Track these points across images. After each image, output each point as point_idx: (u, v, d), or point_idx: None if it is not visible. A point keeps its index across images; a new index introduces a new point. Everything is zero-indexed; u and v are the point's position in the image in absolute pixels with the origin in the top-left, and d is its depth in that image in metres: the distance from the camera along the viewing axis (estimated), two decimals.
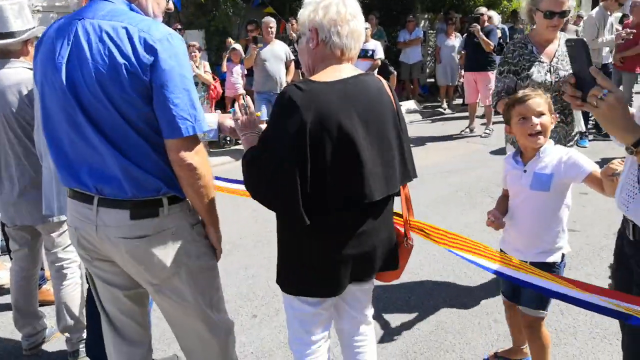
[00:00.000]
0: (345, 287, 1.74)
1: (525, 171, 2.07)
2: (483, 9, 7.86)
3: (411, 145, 1.86)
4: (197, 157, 1.55)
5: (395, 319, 2.90)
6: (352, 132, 1.58)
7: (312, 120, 1.53)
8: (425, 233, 2.00)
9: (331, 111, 1.56)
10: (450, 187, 5.22)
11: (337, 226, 1.66)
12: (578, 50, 1.34)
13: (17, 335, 2.76)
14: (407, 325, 2.84)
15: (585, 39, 1.68)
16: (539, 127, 1.99)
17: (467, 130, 7.75)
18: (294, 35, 7.92)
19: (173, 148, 1.53)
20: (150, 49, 1.47)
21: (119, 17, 1.51)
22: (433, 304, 3.05)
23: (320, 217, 1.60)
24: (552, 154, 2.04)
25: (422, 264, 3.48)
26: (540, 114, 2.01)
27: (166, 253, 1.63)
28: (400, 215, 1.92)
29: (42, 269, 3.16)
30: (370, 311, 1.96)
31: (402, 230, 1.91)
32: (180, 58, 1.52)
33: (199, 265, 1.71)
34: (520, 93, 2.08)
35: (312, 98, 1.55)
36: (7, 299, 2.76)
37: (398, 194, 1.84)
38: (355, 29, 1.67)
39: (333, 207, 1.60)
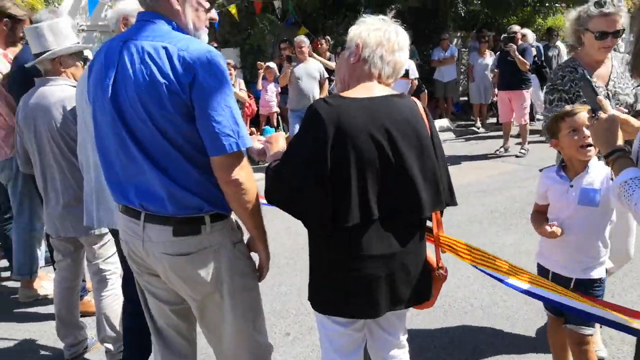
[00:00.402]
0: (378, 312, 1.72)
1: (571, 186, 2.04)
2: (517, 27, 7.80)
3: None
4: (242, 172, 1.56)
5: (428, 343, 2.87)
6: (373, 151, 1.60)
7: (335, 134, 1.56)
8: (455, 250, 1.96)
9: (354, 127, 1.58)
10: (484, 208, 5.16)
11: (362, 244, 1.65)
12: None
13: (60, 345, 2.84)
14: (441, 349, 2.81)
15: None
16: (590, 140, 1.95)
17: (502, 149, 7.64)
18: (328, 54, 8.02)
19: (218, 165, 1.54)
20: (189, 67, 1.48)
21: (160, 37, 1.54)
22: (468, 328, 3.01)
23: (344, 233, 1.62)
24: (598, 169, 2.02)
25: (457, 286, 3.44)
26: (588, 128, 1.99)
27: (207, 270, 1.65)
28: (431, 231, 1.90)
29: (84, 280, 3.26)
30: (404, 335, 1.94)
31: (433, 259, 1.87)
32: (220, 75, 1.52)
33: (241, 284, 1.71)
34: (569, 107, 2.07)
35: (338, 113, 1.58)
36: (51, 309, 2.85)
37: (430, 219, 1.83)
38: (399, 61, 1.71)
39: (352, 222, 1.61)
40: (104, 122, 1.64)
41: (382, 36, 1.69)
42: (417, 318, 3.00)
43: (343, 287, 1.69)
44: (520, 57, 7.07)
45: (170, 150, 1.55)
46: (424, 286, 1.81)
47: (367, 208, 1.62)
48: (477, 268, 1.97)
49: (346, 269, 1.67)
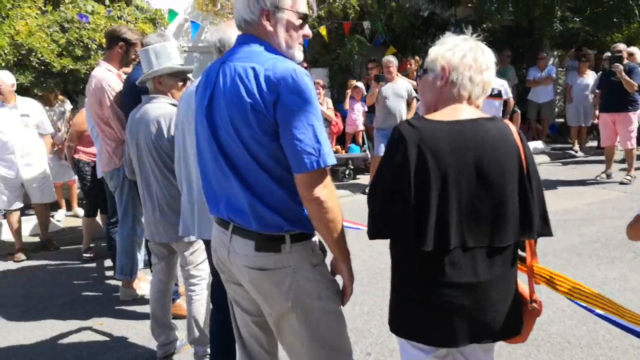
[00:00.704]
0: (458, 342, 1.63)
1: None
2: (622, 46, 7.25)
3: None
4: (324, 190, 1.56)
5: None
6: (459, 175, 1.55)
7: (418, 157, 1.53)
8: (550, 282, 1.83)
9: (439, 150, 1.54)
10: (584, 238, 4.79)
11: (444, 270, 1.58)
12: None
13: (153, 344, 3.02)
14: None
15: None
16: None
17: (604, 175, 7.10)
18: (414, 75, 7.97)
19: (301, 183, 1.55)
20: (274, 87, 1.50)
21: (251, 58, 1.58)
22: None
23: (426, 257, 1.57)
24: None
25: (551, 320, 3.21)
26: None
27: (284, 290, 1.65)
28: (524, 260, 1.78)
29: (177, 284, 3.46)
30: None
31: (526, 290, 1.76)
32: (304, 93, 1.52)
33: (318, 307, 1.69)
34: None
35: (421, 135, 1.55)
36: (147, 308, 3.04)
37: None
38: (487, 81, 1.66)
39: (434, 247, 1.55)
40: (202, 138, 1.74)
41: (468, 56, 1.63)
42: (505, 351, 2.84)
43: (422, 313, 1.64)
44: (627, 77, 6.57)
45: (256, 168, 1.58)
46: (513, 319, 1.69)
47: (450, 233, 1.56)
48: (575, 303, 1.83)
49: (426, 294, 1.62)
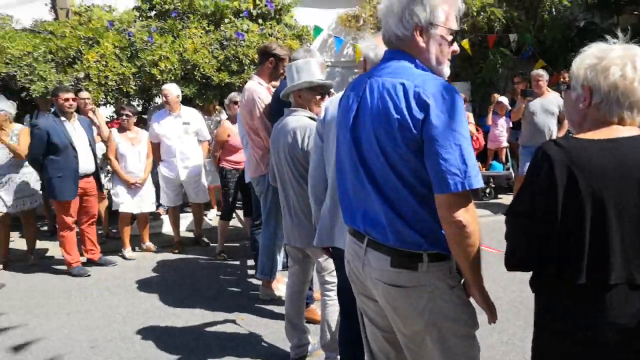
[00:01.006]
0: None
1: None
2: None
3: None
4: (466, 214, 1.49)
5: None
6: (617, 200, 1.36)
7: (567, 180, 1.38)
8: None
9: (591, 170, 1.37)
10: None
11: (598, 308, 1.41)
12: None
13: (287, 345, 3.15)
14: None
15: None
16: None
17: None
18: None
19: (442, 203, 1.50)
20: (423, 104, 1.48)
21: (400, 74, 1.57)
22: None
23: (576, 291, 1.42)
24: None
25: None
26: None
27: (419, 309, 1.61)
28: None
29: (311, 289, 3.58)
30: None
31: None
32: (453, 112, 1.48)
33: (454, 330, 1.64)
34: None
35: (570, 154, 1.39)
36: (283, 309, 3.19)
37: None
38: None
39: (583, 280, 1.39)
40: (343, 149, 1.77)
41: (616, 74, 1.42)
42: None
43: (570, 354, 1.48)
44: None
45: (398, 185, 1.57)
46: None
47: (605, 266, 1.39)
48: None
49: (575, 333, 1.46)
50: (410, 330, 1.67)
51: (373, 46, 2.14)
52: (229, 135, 5.08)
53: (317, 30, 7.78)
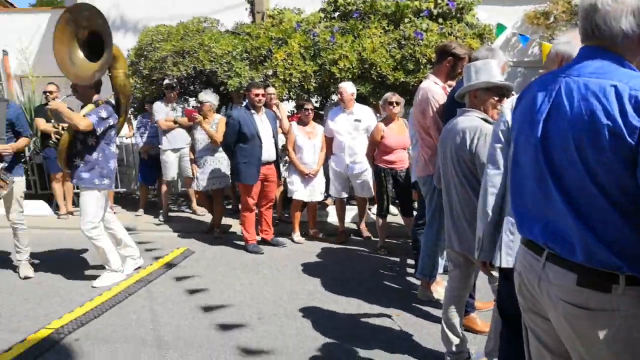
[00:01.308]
0: None
1: None
2: None
3: None
4: None
5: None
6: None
7: None
8: None
9: None
10: None
11: None
12: None
13: (442, 348, 3.09)
14: None
15: None
16: None
17: None
18: None
19: None
20: None
21: (608, 75, 1.42)
22: None
23: None
24: None
25: None
26: None
27: (609, 336, 1.44)
28: None
29: (473, 297, 3.45)
30: None
31: None
32: None
33: None
34: None
35: None
36: (441, 312, 3.11)
37: None
38: None
39: None
40: (525, 154, 1.64)
41: None
42: None
43: None
44: None
45: (597, 198, 1.41)
46: None
47: None
48: None
49: None
50: (592, 357, 1.51)
51: (568, 41, 1.97)
52: (382, 137, 5.14)
53: (500, 28, 7.37)
